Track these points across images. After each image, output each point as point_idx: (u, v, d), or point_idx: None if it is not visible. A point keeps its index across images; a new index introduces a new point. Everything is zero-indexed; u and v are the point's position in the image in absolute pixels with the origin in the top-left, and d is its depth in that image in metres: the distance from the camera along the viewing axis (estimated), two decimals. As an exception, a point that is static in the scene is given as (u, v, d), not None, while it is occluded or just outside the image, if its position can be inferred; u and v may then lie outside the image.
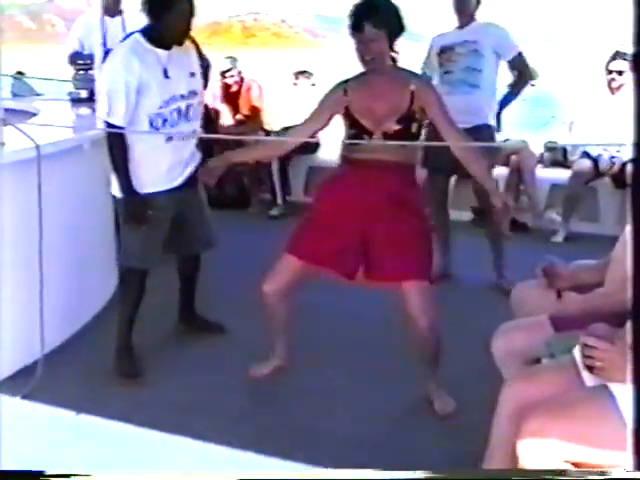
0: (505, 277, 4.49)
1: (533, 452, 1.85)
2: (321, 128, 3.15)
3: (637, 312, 1.39)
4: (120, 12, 5.27)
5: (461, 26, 4.58)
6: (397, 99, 2.99)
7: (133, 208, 3.38)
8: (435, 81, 4.50)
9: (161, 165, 3.38)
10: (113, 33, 4.82)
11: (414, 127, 3.03)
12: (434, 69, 4.60)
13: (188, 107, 3.37)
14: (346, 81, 3.10)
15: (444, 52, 4.57)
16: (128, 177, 3.35)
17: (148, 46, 3.28)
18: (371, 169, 3.00)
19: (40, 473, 1.61)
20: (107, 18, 4.99)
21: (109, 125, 3.30)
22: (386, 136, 2.96)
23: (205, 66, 3.65)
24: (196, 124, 3.47)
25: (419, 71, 4.67)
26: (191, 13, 3.29)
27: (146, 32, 3.31)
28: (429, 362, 3.15)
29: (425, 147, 4.90)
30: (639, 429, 1.20)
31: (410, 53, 6.82)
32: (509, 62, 4.55)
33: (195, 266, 3.85)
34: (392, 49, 3.03)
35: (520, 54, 4.57)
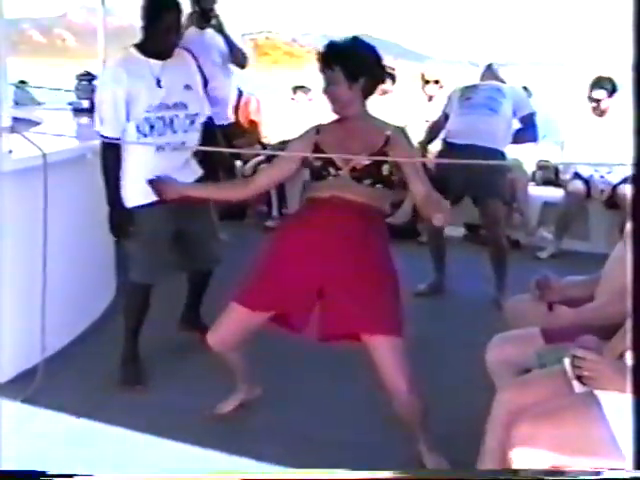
0: (504, 294, 4.50)
1: (523, 458, 1.93)
2: (292, 169, 2.92)
3: (637, 321, 1.47)
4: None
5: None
6: (370, 139, 2.78)
7: (118, 220, 3.42)
8: (454, 108, 4.75)
9: (151, 175, 3.29)
10: None
11: (385, 169, 2.74)
12: (453, 110, 4.80)
13: (173, 118, 3.38)
14: (320, 124, 2.90)
15: (467, 89, 4.80)
16: (116, 189, 3.39)
17: (140, 57, 3.35)
18: (333, 209, 2.73)
19: (42, 473, 1.67)
20: None
21: (103, 137, 3.36)
22: (354, 171, 2.73)
23: None
24: (184, 136, 3.45)
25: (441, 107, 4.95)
26: (177, 26, 3.40)
27: (139, 44, 3.40)
28: (416, 426, 2.83)
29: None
30: (639, 430, 1.28)
31: (413, 73, 6.94)
32: (520, 118, 4.75)
33: (206, 280, 3.87)
34: (366, 97, 2.82)
35: (532, 114, 4.81)
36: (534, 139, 4.99)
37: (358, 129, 2.80)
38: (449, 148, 4.61)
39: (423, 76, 6.60)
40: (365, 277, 2.70)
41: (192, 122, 3.48)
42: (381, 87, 6.41)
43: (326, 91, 2.79)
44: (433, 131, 5.04)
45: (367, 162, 2.72)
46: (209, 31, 4.85)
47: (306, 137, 2.86)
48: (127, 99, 3.30)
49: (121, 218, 3.41)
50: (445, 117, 4.87)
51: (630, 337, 1.48)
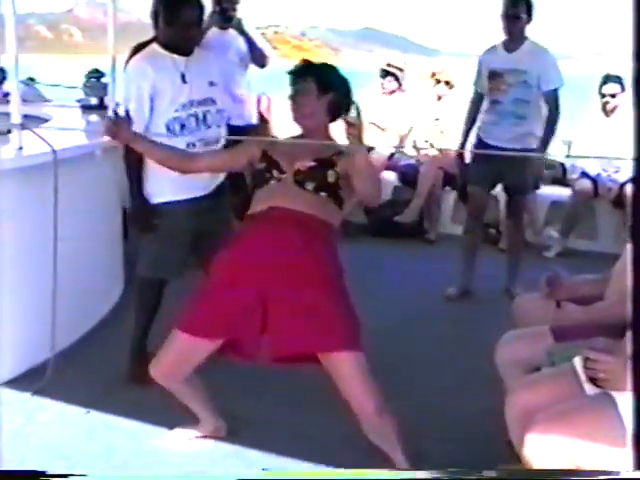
0: (516, 286, 4.65)
1: (538, 456, 1.93)
2: (239, 164, 2.92)
3: (637, 323, 1.47)
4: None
5: (511, 48, 4.54)
6: (321, 149, 2.71)
7: (142, 216, 3.43)
8: (484, 106, 4.68)
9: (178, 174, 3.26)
10: None
11: (331, 175, 2.64)
12: (484, 90, 4.67)
13: (205, 113, 3.40)
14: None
15: (493, 78, 4.57)
16: (140, 185, 3.39)
17: (164, 52, 3.36)
18: (272, 222, 2.62)
19: (41, 473, 1.70)
20: None
21: None
22: (298, 175, 2.64)
23: None
24: (217, 131, 3.47)
25: (472, 87, 4.83)
26: (198, 22, 3.40)
27: (160, 40, 3.40)
28: (390, 444, 2.64)
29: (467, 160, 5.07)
30: (639, 430, 1.28)
31: (426, 67, 6.91)
32: (543, 93, 4.53)
33: None
34: (330, 116, 2.75)
35: (555, 90, 4.54)
36: (554, 121, 4.59)
37: (312, 142, 2.74)
38: (482, 146, 4.64)
39: (433, 75, 6.61)
40: (313, 291, 2.54)
41: (222, 117, 3.52)
42: (387, 86, 6.51)
43: (293, 99, 2.77)
44: (470, 120, 4.87)
45: (312, 165, 2.64)
46: (230, 31, 4.89)
47: (258, 142, 2.93)
48: (152, 93, 3.29)
49: (146, 213, 3.39)
50: (479, 97, 4.77)
51: (630, 337, 1.50)
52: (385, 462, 2.64)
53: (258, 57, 4.99)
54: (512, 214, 4.85)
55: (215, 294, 2.66)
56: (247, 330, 2.58)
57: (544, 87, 4.49)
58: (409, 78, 6.78)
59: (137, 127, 3.25)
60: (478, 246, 4.86)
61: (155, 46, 3.40)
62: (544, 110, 4.64)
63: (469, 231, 4.88)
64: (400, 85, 6.58)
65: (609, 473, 1.59)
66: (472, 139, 4.88)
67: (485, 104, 4.69)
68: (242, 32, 4.87)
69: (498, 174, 4.62)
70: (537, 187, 5.25)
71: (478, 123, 4.78)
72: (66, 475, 1.70)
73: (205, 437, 3.00)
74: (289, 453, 2.84)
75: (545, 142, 4.54)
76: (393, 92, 6.57)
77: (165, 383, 2.79)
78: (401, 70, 6.63)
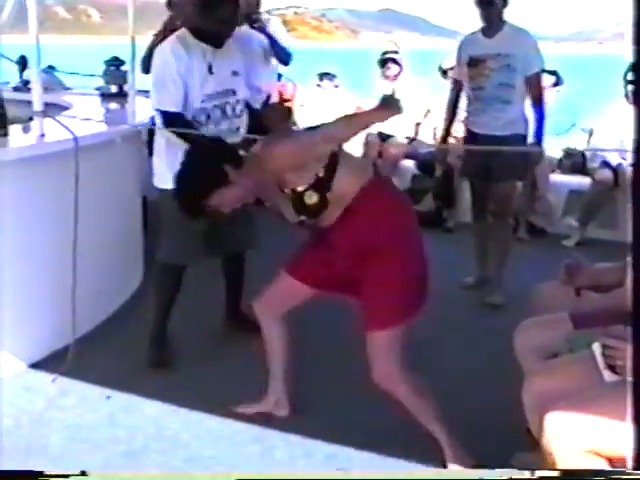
0: (496, 293, 4.50)
1: (556, 442, 1.94)
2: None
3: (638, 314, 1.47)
4: None
5: (490, 33, 4.39)
6: None
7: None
8: (465, 94, 4.54)
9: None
10: None
11: None
12: (464, 79, 4.52)
13: (225, 105, 3.44)
14: None
15: (475, 64, 4.41)
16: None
17: (194, 41, 3.38)
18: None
19: (39, 473, 1.74)
20: None
21: (163, 113, 3.34)
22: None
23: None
24: (238, 122, 3.51)
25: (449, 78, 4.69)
26: (235, 13, 3.43)
27: (192, 28, 3.41)
28: (428, 421, 2.72)
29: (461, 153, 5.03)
30: (639, 430, 1.29)
31: (447, 49, 6.89)
32: (526, 77, 4.32)
33: (238, 266, 3.86)
34: None
35: (538, 74, 4.38)
36: (540, 103, 4.39)
37: None
38: (471, 137, 4.54)
39: (441, 68, 6.60)
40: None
41: (241, 107, 3.55)
42: (389, 73, 6.50)
43: None
44: (450, 110, 4.74)
45: None
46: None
47: None
48: (185, 77, 3.31)
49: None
50: (457, 85, 4.64)
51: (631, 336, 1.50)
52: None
53: (280, 56, 5.10)
54: (498, 204, 4.59)
55: (316, 243, 2.80)
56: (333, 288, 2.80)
57: (527, 71, 4.32)
58: (425, 60, 6.76)
59: (175, 106, 3.28)
60: (489, 235, 4.72)
61: (186, 32, 3.42)
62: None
63: (477, 221, 4.78)
64: (401, 67, 6.58)
65: (609, 473, 1.60)
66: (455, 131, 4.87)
67: (468, 93, 4.51)
68: (265, 34, 4.97)
69: (488, 162, 4.42)
70: (522, 178, 4.87)
71: (464, 114, 4.64)
72: (66, 475, 1.74)
73: (263, 415, 3.04)
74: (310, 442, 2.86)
75: (539, 130, 4.35)
76: (397, 76, 6.57)
77: (262, 317, 2.95)
78: (396, 52, 6.64)
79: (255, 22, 4.89)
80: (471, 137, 4.56)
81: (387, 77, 6.62)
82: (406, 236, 2.68)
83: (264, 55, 5.01)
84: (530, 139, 4.43)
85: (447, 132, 4.78)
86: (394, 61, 6.61)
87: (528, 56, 4.32)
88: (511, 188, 4.62)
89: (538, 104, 4.38)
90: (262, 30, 4.94)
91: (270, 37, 4.95)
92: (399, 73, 6.58)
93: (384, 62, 6.65)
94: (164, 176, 3.35)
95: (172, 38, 3.45)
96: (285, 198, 2.66)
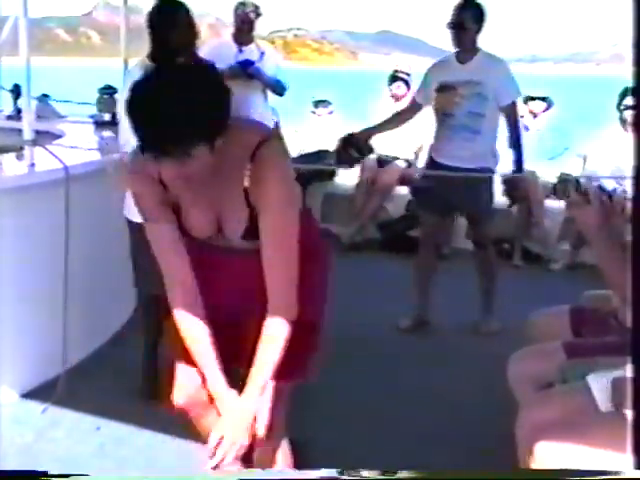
0: (488, 320, 4.43)
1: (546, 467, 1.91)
2: None
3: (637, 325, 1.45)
4: (251, 41, 5.52)
5: (463, 59, 4.22)
6: None
7: None
8: (434, 121, 4.33)
9: None
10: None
11: None
12: (431, 105, 4.31)
13: None
14: None
15: (445, 90, 4.20)
16: None
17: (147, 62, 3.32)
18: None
19: (42, 473, 1.70)
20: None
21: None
22: None
23: None
24: None
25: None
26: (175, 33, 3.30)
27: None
28: None
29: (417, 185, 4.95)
30: (639, 430, 1.26)
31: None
32: (501, 108, 4.18)
33: None
34: None
35: (514, 104, 4.25)
36: (517, 133, 4.25)
37: None
38: (435, 166, 4.32)
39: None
40: None
41: None
42: (396, 92, 6.54)
43: None
44: (393, 119, 4.55)
45: None
46: (252, 48, 5.35)
47: None
48: None
49: None
50: (416, 108, 4.44)
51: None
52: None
53: (278, 89, 5.35)
54: (477, 243, 4.47)
55: None
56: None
57: (501, 101, 4.16)
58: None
59: None
60: (430, 276, 4.50)
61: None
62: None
63: (420, 257, 4.51)
64: (409, 89, 6.60)
65: (609, 473, 1.57)
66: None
67: (435, 120, 4.31)
68: (258, 79, 5.16)
69: (452, 199, 4.27)
70: (487, 211, 4.42)
71: (430, 141, 4.46)
72: (67, 475, 1.70)
73: None
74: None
75: (518, 163, 4.22)
76: (402, 97, 6.58)
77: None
78: (408, 74, 6.68)
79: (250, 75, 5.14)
80: (434, 166, 4.35)
81: (394, 96, 6.64)
82: None
83: (259, 87, 5.27)
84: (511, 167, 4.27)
85: (368, 134, 4.29)
86: (404, 81, 6.64)
87: (502, 85, 4.16)
88: (487, 220, 4.43)
89: (515, 135, 4.24)
90: (252, 76, 5.15)
91: (263, 81, 5.22)
92: (405, 95, 6.58)
93: (394, 79, 6.68)
94: (133, 208, 3.35)
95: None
96: None
